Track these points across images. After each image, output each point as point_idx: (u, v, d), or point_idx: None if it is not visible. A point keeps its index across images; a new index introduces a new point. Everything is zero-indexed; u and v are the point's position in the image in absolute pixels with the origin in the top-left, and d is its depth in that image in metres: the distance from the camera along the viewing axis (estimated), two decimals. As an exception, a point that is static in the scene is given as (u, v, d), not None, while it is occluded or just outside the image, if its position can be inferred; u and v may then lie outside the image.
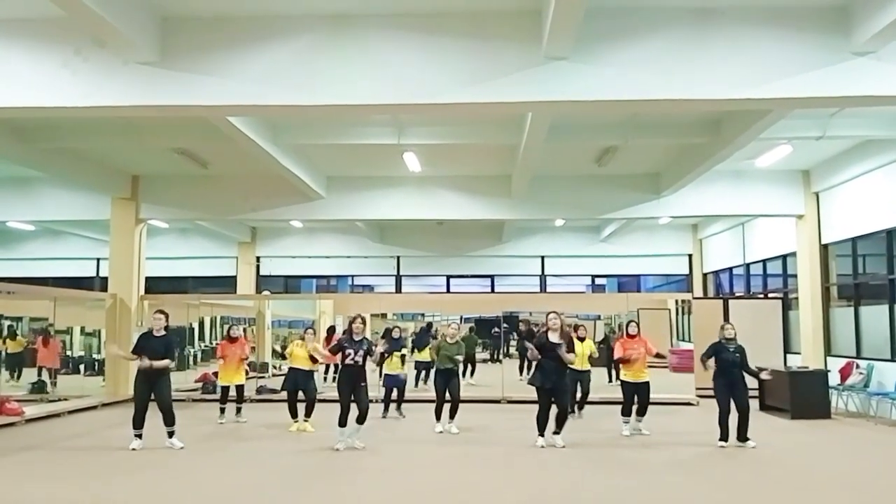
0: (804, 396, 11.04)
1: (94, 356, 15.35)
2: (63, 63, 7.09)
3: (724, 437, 8.64)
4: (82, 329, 15.67)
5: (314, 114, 9.76)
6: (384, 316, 16.47)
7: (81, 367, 15.37)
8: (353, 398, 8.37)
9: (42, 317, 14.54)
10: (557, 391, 8.65)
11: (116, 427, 10.27)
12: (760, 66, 6.91)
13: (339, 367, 8.72)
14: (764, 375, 9.21)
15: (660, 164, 13.30)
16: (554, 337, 8.61)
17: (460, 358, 10.03)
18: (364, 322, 8.73)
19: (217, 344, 11.43)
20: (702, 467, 7.77)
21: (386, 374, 11.18)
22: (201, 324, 15.77)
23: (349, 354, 8.45)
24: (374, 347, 8.76)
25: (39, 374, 14.25)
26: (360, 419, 8.40)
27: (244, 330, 11.36)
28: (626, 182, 13.83)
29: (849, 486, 6.95)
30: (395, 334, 11.38)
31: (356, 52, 7.08)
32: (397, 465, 7.83)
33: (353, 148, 11.74)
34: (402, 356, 11.60)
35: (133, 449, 8.28)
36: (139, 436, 8.44)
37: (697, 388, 12.92)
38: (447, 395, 9.71)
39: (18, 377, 14.36)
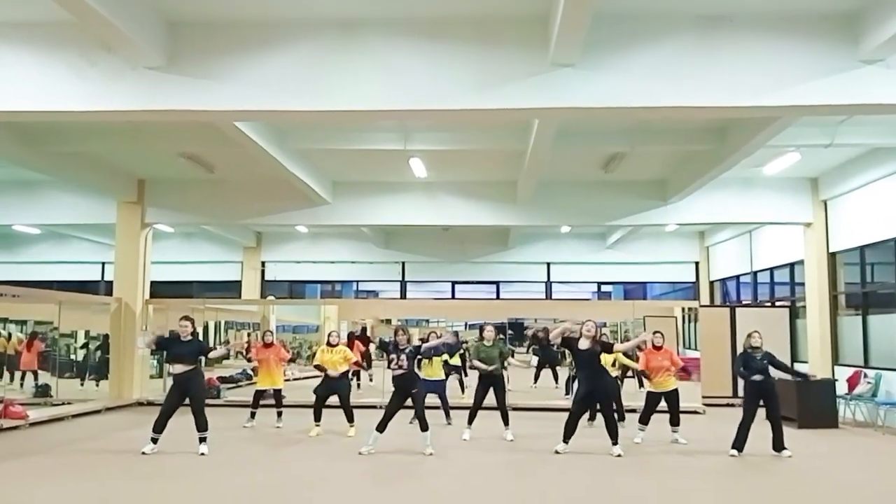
0: (811, 405, 10.96)
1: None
2: (71, 67, 7.09)
3: (739, 446, 8.52)
4: (87, 333, 15.69)
5: (321, 119, 9.77)
6: (388, 322, 16.41)
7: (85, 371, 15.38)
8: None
9: (47, 320, 14.54)
10: (597, 400, 8.61)
11: (122, 431, 10.30)
12: (768, 73, 6.87)
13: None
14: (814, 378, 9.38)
15: (666, 171, 13.23)
16: (584, 344, 8.57)
17: (513, 359, 9.85)
18: (406, 333, 8.72)
19: (253, 347, 11.44)
20: (709, 475, 7.73)
21: (423, 380, 10.65)
22: (206, 329, 15.72)
23: (393, 360, 8.48)
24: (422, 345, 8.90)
25: (23, 378, 14.23)
26: (422, 426, 8.43)
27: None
28: (632, 189, 13.75)
29: (858, 497, 6.91)
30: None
31: (364, 57, 7.06)
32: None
33: (359, 153, 11.73)
34: (446, 361, 11.48)
35: (144, 453, 8.17)
36: (155, 440, 8.29)
37: (704, 397, 12.87)
38: (480, 402, 9.59)
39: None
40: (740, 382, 9.46)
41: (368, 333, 16.37)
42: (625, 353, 9.85)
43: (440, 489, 7.07)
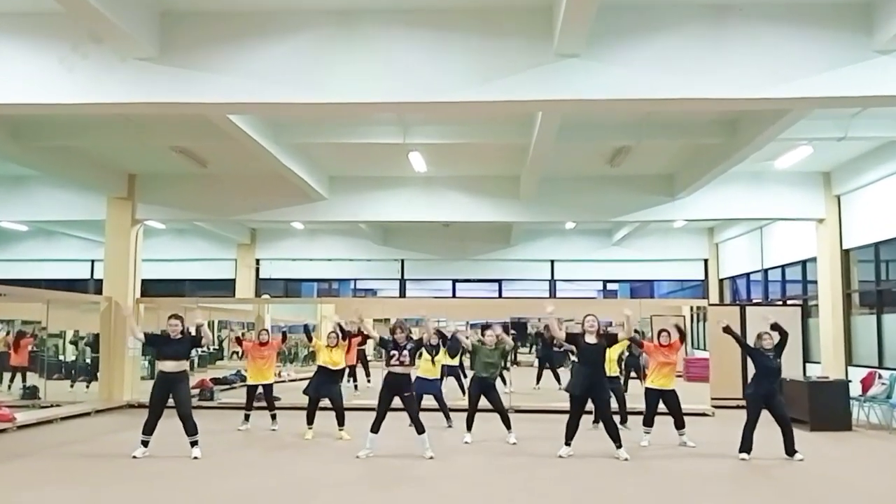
0: (824, 407, 10.80)
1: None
2: (60, 59, 7.03)
3: (747, 449, 8.40)
4: (76, 333, 15.53)
5: (318, 112, 9.57)
6: (387, 321, 16.25)
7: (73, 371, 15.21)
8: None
9: (35, 320, 14.40)
10: (595, 400, 8.52)
11: (112, 433, 10.22)
12: (779, 64, 6.80)
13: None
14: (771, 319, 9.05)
15: (674, 165, 13.09)
16: (591, 339, 8.51)
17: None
18: (403, 329, 8.59)
19: (248, 343, 11.26)
20: (719, 480, 7.63)
21: (418, 378, 10.42)
22: (197, 330, 15.49)
23: (394, 356, 8.35)
24: (424, 338, 8.95)
25: (12, 379, 14.09)
26: (418, 429, 8.32)
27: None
28: (639, 183, 13.62)
29: (873, 501, 6.86)
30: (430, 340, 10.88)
31: (362, 48, 7.01)
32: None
33: (356, 147, 11.60)
34: (459, 362, 11.32)
35: (134, 456, 8.09)
36: (145, 443, 8.25)
37: (713, 399, 12.70)
38: (475, 405, 9.47)
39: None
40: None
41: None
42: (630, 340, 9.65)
43: (440, 493, 7.02)
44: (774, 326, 8.76)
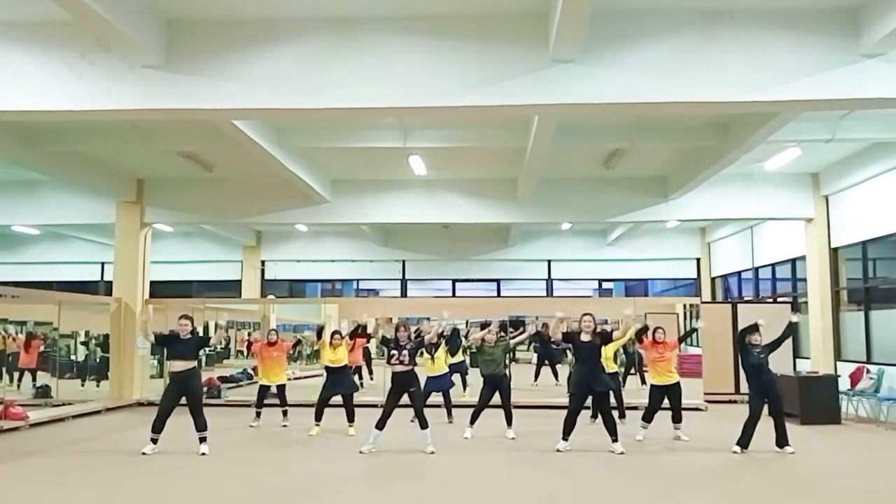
0: (814, 401, 10.94)
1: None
2: (68, 67, 7.12)
3: (744, 444, 8.49)
4: (86, 333, 15.65)
5: (321, 117, 9.76)
6: (389, 320, 16.39)
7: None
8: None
9: (47, 321, 14.52)
10: (594, 394, 8.64)
11: (123, 431, 10.32)
12: (769, 68, 6.90)
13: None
14: (794, 318, 9.33)
15: (667, 167, 13.22)
16: (586, 337, 8.62)
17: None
18: (407, 329, 8.69)
19: (256, 343, 11.47)
20: (713, 473, 7.70)
21: (428, 377, 10.49)
22: (206, 328, 15.68)
23: (394, 355, 8.47)
24: (423, 336, 8.98)
25: (20, 378, 14.18)
26: (422, 424, 8.42)
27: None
28: (633, 185, 13.75)
29: (860, 493, 6.90)
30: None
31: (363, 55, 7.09)
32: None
33: (358, 151, 11.73)
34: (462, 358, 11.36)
35: (144, 453, 8.20)
36: (155, 440, 8.34)
37: (706, 394, 12.84)
38: (486, 402, 9.61)
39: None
40: (743, 379, 9.44)
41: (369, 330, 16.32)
42: (627, 338, 9.80)
43: (441, 487, 7.07)
44: (790, 327, 9.01)
